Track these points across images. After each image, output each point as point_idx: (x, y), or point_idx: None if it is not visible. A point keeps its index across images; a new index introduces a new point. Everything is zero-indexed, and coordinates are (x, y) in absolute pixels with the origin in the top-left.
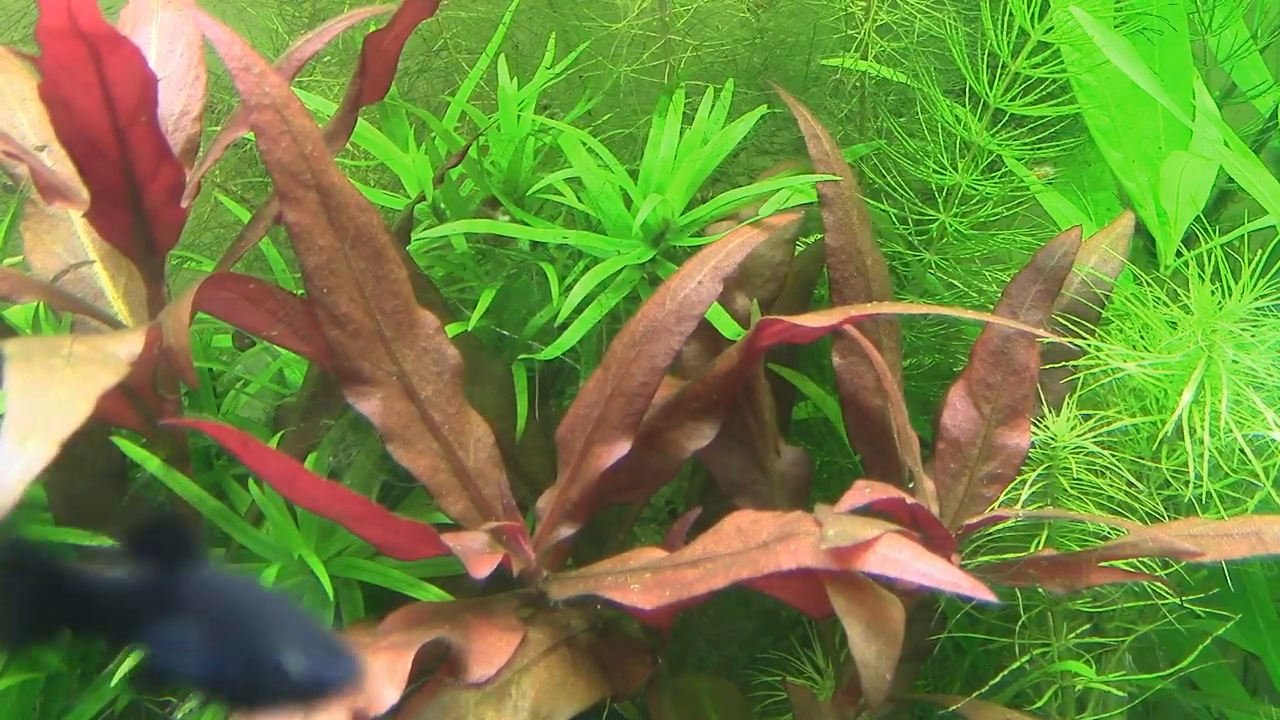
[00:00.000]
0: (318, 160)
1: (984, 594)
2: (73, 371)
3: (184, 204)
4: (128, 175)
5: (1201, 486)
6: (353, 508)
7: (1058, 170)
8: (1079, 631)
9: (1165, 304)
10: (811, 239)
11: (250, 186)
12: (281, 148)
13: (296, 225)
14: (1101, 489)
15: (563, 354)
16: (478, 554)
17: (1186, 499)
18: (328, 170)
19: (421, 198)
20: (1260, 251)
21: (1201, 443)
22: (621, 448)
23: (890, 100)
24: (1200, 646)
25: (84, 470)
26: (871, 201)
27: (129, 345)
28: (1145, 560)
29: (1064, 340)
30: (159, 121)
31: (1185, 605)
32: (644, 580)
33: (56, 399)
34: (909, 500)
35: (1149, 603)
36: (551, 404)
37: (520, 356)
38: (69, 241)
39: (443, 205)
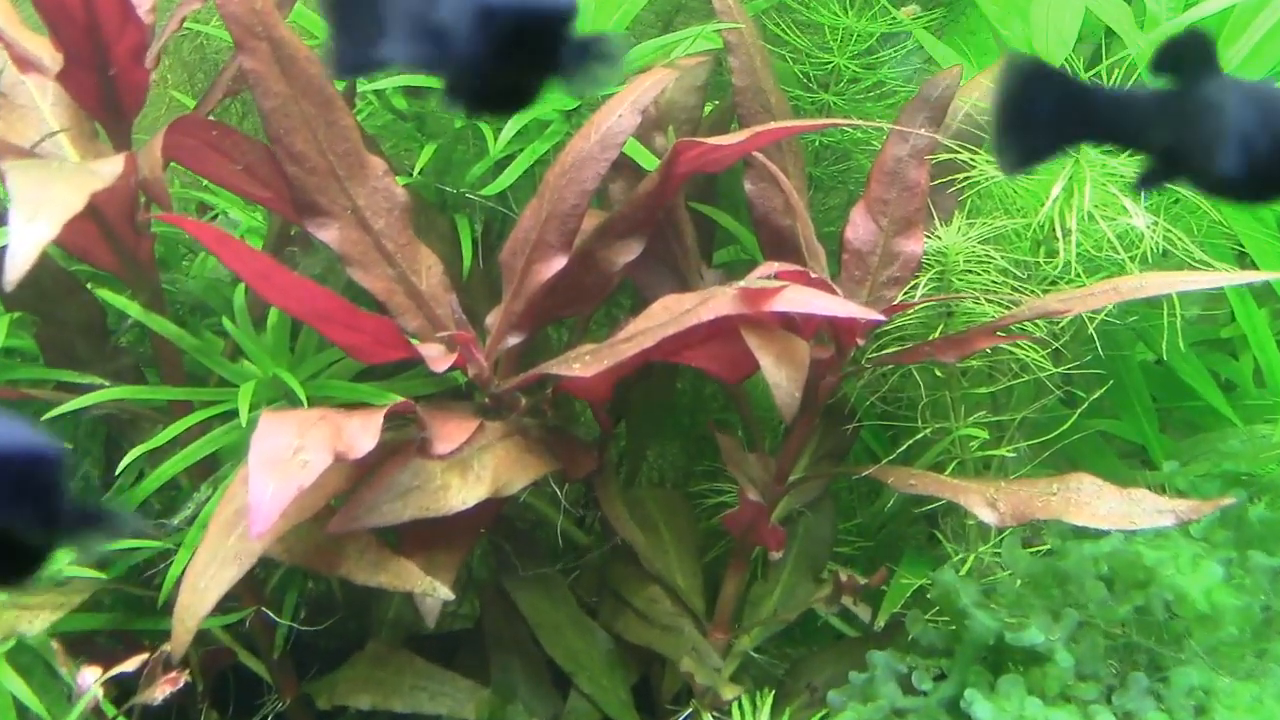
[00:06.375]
0: (267, 15)
1: (872, 315)
2: (67, 175)
3: (147, 65)
4: (95, 37)
5: (1080, 279)
6: (320, 303)
7: (920, 13)
8: (975, 417)
9: None
10: None
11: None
12: (235, 1)
13: (253, 72)
14: (988, 287)
15: (501, 210)
16: (436, 357)
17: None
18: (277, 25)
19: None
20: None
21: (1070, 233)
22: (558, 263)
23: None
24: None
25: (65, 325)
26: (773, 48)
27: (111, 165)
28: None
29: (951, 159)
30: None
31: (1073, 392)
32: (584, 359)
33: (56, 191)
34: (812, 275)
35: (1030, 377)
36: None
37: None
38: (39, 127)
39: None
